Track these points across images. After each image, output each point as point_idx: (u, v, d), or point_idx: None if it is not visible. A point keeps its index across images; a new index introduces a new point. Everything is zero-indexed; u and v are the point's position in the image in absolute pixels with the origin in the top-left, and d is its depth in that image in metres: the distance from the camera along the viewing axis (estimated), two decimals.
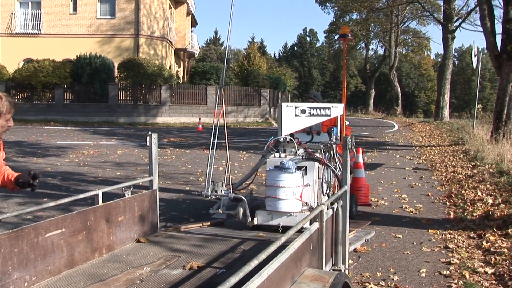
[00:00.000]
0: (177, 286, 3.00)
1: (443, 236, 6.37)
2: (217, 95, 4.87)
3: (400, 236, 6.30)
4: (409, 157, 14.90)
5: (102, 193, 3.72)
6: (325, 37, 63.14)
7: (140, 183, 4.45)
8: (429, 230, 6.61)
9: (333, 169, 4.86)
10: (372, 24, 54.88)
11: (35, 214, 6.45)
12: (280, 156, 5.06)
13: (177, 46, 40.07)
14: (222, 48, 73.29)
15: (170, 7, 37.69)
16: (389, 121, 38.10)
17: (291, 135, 5.87)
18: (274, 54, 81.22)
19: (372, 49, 68.20)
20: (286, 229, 3.81)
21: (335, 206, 3.68)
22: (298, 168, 4.78)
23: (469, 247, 5.90)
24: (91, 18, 33.24)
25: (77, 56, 29.03)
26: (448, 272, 5.04)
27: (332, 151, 5.18)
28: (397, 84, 52.71)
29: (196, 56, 49.21)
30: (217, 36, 77.04)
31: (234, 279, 1.89)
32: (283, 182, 4.60)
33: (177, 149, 15.40)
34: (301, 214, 4.67)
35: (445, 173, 11.41)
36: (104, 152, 14.51)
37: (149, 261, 3.47)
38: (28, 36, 33.14)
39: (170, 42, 37.26)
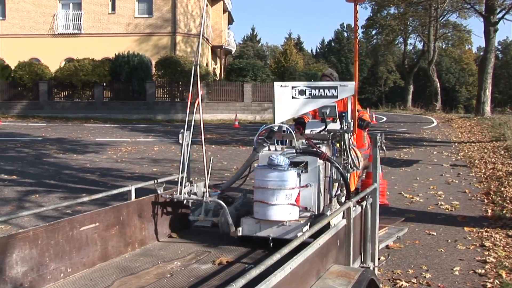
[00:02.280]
0: (205, 281, 3.06)
1: (479, 234, 6.26)
2: (192, 76, 4.04)
3: (434, 233, 6.23)
4: (447, 153, 14.63)
5: (135, 188, 3.82)
6: (362, 32, 62.46)
7: (175, 179, 4.50)
8: (465, 228, 6.50)
9: (337, 165, 3.85)
10: (411, 18, 53.93)
11: (74, 209, 6.64)
12: (276, 150, 4.11)
13: (214, 44, 40.35)
14: (260, 44, 73.41)
15: (206, 5, 37.94)
16: (428, 117, 37.41)
17: (300, 123, 5.22)
18: (311, 50, 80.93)
19: (410, 43, 67.17)
20: (278, 243, 3.46)
21: (364, 203, 3.68)
22: (295, 164, 3.84)
23: (507, 246, 5.77)
24: (129, 17, 33.81)
25: (115, 54, 29.62)
26: (483, 270, 4.95)
27: (343, 142, 4.13)
28: (436, 79, 51.64)
29: (232, 53, 49.45)
30: (254, 33, 77.25)
31: (255, 272, 1.92)
32: (272, 182, 3.62)
33: (213, 146, 15.55)
34: (296, 223, 3.65)
35: (484, 170, 11.17)
36: (141, 149, 14.78)
37: (180, 255, 3.55)
38: (69, 36, 34.00)
39: (207, 39, 37.54)
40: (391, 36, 57.80)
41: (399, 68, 69.05)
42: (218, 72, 42.54)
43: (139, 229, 3.76)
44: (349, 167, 4.12)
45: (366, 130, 5.75)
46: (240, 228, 3.74)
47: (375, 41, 61.63)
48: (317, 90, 4.15)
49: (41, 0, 34.14)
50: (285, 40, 68.73)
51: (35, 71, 29.62)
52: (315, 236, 2.68)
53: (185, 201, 4.03)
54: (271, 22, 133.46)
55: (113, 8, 33.91)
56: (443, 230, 6.39)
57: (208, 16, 38.97)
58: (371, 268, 3.63)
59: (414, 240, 5.93)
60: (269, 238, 3.65)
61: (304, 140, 4.16)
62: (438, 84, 51.47)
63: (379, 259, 4.94)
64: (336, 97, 4.17)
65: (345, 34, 74.53)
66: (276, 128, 4.15)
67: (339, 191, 3.99)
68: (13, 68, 30.30)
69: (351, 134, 4.22)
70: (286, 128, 4.19)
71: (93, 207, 6.37)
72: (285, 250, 2.21)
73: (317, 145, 4.04)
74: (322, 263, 2.71)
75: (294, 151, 3.91)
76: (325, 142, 4.15)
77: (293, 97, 4.12)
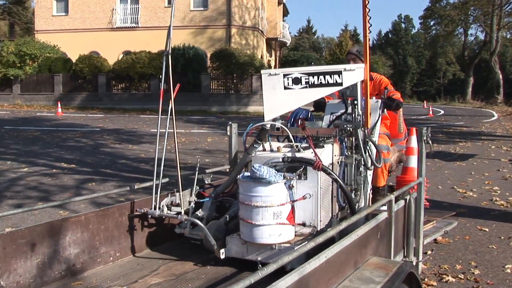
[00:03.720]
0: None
1: None
2: (164, 66, 3.47)
3: (487, 230, 6.07)
4: (506, 148, 14.13)
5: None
6: (420, 23, 60.84)
7: (226, 170, 4.55)
8: None
9: (336, 177, 3.21)
10: (472, 8, 52.07)
11: (127, 197, 6.88)
12: (271, 150, 3.49)
13: (269, 36, 40.41)
14: (315, 36, 72.89)
15: None
16: (488, 110, 36.14)
17: (319, 106, 4.59)
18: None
19: (471, 34, 64.75)
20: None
21: (407, 197, 3.64)
22: (292, 169, 3.27)
23: None
24: (185, 10, 34.34)
25: (171, 47, 30.14)
26: None
27: (356, 137, 3.45)
28: (499, 71, 49.73)
29: (287, 45, 49.34)
30: (310, 25, 76.77)
31: (287, 258, 1.97)
32: (256, 198, 3.02)
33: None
34: (287, 246, 3.07)
35: None
36: (195, 140, 15.06)
37: None
38: (127, 30, 34.96)
39: (262, 31, 37.64)
40: (450, 27, 56.05)
41: (459, 60, 66.86)
42: (273, 64, 42.59)
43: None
44: (365, 166, 3.52)
45: (398, 112, 4.79)
46: (222, 251, 3.17)
47: (433, 32, 59.92)
48: (315, 77, 3.43)
49: None
50: (341, 32, 68.00)
51: (95, 64, 30.63)
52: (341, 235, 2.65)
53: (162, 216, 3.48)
54: (327, 14, 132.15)
55: (169, 2, 34.54)
56: (496, 227, 6.22)
57: (263, 8, 39.03)
58: (413, 262, 3.60)
59: (464, 236, 5.80)
60: (257, 262, 3.08)
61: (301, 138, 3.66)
62: (501, 76, 49.57)
63: (425, 253, 4.89)
64: (341, 84, 3.41)
65: (403, 25, 72.78)
66: (268, 125, 3.54)
67: (359, 196, 3.48)
68: (74, 61, 31.45)
69: (362, 127, 3.52)
70: (280, 126, 3.65)
71: (146, 195, 6.58)
72: (320, 239, 2.25)
73: (322, 142, 3.47)
74: (361, 254, 2.73)
75: (281, 160, 3.27)
76: (331, 137, 3.52)
77: (286, 88, 3.47)
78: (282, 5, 44.91)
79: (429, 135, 3.86)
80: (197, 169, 3.76)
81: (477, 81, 56.67)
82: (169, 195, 3.59)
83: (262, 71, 3.53)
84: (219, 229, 3.36)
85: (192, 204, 3.59)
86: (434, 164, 10.85)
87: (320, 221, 3.31)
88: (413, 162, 5.45)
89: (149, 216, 3.45)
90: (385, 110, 4.35)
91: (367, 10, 3.50)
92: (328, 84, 3.41)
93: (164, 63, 3.47)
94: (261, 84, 3.48)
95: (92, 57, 31.28)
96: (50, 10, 36.19)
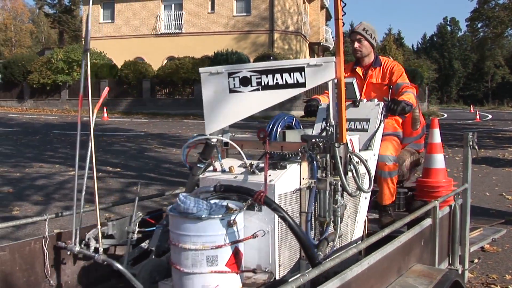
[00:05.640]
0: None
1: None
2: (82, 67, 2.71)
3: None
4: None
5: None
6: (467, 25, 59.41)
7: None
8: None
9: (285, 215, 2.29)
10: None
11: (170, 200, 6.97)
12: (223, 170, 2.76)
13: (311, 40, 40.34)
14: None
15: (304, 2, 38.01)
16: None
17: (309, 109, 3.89)
18: (412, 46, 78.33)
19: None
20: None
21: (452, 203, 3.55)
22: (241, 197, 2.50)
23: None
24: (228, 16, 34.67)
25: (214, 52, 30.50)
26: None
27: (334, 152, 2.59)
28: None
29: (330, 50, 49.09)
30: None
31: (329, 264, 1.95)
32: (184, 239, 2.31)
33: None
34: None
35: None
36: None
37: None
38: (171, 36, 35.56)
39: (304, 36, 37.61)
40: (499, 29, 54.39)
41: (508, 63, 64.99)
42: None
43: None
44: (347, 192, 2.68)
45: (406, 116, 3.91)
46: None
47: (481, 34, 58.39)
48: (270, 76, 2.61)
49: (146, 3, 36.00)
50: (385, 36, 67.11)
51: (139, 69, 31.27)
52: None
53: (79, 254, 2.78)
54: (370, 18, 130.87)
55: (212, 8, 34.94)
56: None
57: (306, 12, 39.00)
58: (459, 271, 3.50)
59: None
60: None
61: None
62: None
63: (472, 261, 4.75)
64: (304, 85, 2.60)
65: (449, 28, 71.36)
66: (214, 140, 2.85)
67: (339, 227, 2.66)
68: (119, 67, 32.20)
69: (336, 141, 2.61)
70: (227, 140, 2.89)
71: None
72: (362, 245, 2.22)
73: (287, 160, 2.67)
74: (404, 261, 2.68)
75: (213, 189, 2.49)
76: (296, 156, 2.66)
77: (231, 90, 2.71)
78: (325, 9, 44.77)
79: (475, 140, 3.74)
80: (138, 190, 3.13)
81: None
82: (99, 225, 2.77)
83: (200, 70, 2.81)
84: (157, 269, 2.58)
85: (132, 236, 2.90)
86: (481, 170, 10.55)
87: (280, 265, 2.51)
88: (437, 161, 4.44)
89: (68, 252, 2.76)
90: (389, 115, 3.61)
91: None
92: (286, 85, 2.60)
93: (83, 61, 2.70)
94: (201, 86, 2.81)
95: (136, 63, 31.95)
96: (97, 17, 37.21)
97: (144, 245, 2.91)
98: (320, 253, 2.49)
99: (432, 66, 58.53)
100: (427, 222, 3.00)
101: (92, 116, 2.74)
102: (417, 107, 3.90)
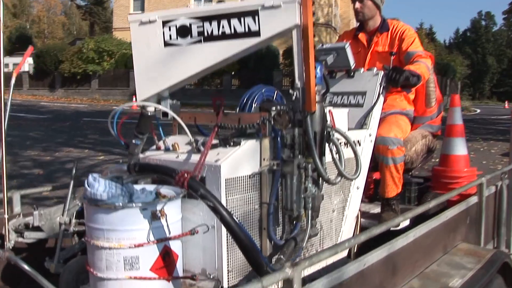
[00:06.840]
0: None
1: None
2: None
3: None
4: None
5: None
6: (504, 18, 58.10)
7: None
8: None
9: (216, 203, 1.66)
10: None
11: None
12: (166, 148, 2.29)
13: (342, 33, 39.95)
14: None
15: None
16: None
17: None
18: (444, 41, 77.06)
19: None
20: None
21: (499, 183, 3.34)
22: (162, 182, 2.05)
23: None
24: None
25: None
26: None
27: (306, 126, 1.98)
28: None
29: None
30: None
31: (375, 231, 1.81)
32: (97, 233, 1.79)
33: None
34: None
35: None
36: None
37: None
38: None
39: (335, 28, 37.25)
40: None
41: None
42: None
43: None
44: (323, 179, 2.06)
45: (411, 89, 3.19)
46: None
47: None
48: (214, 24, 2.00)
49: None
50: (416, 30, 65.92)
51: None
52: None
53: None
54: (402, 12, 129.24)
55: None
56: None
57: (336, 5, 38.62)
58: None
59: None
60: None
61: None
62: None
63: None
64: (258, 33, 1.95)
65: (483, 22, 69.85)
66: (151, 110, 2.24)
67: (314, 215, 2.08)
68: None
69: (303, 111, 2.01)
70: (166, 110, 2.28)
71: None
72: (409, 215, 2.07)
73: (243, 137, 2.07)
74: (449, 238, 2.53)
75: (128, 168, 1.95)
76: (259, 131, 2.08)
77: (167, 44, 2.10)
78: None
79: None
80: (73, 172, 2.52)
81: None
82: (21, 215, 2.34)
83: (129, 18, 2.21)
84: (84, 270, 1.97)
85: (67, 228, 2.31)
86: None
87: (229, 270, 1.96)
88: (457, 147, 3.66)
89: None
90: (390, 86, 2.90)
91: None
92: (235, 35, 1.97)
93: None
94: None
95: None
96: (128, 8, 37.49)
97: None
98: (282, 256, 1.94)
99: (464, 62, 57.44)
100: (473, 199, 2.82)
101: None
102: (431, 80, 3.28)
